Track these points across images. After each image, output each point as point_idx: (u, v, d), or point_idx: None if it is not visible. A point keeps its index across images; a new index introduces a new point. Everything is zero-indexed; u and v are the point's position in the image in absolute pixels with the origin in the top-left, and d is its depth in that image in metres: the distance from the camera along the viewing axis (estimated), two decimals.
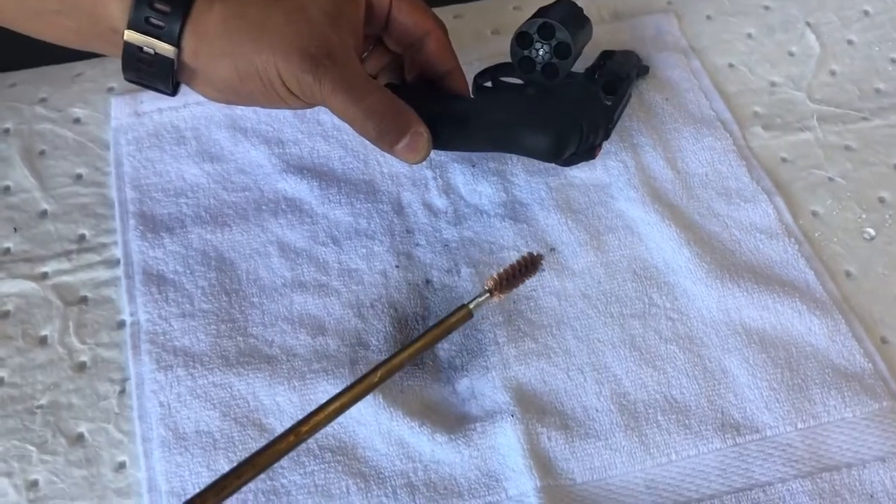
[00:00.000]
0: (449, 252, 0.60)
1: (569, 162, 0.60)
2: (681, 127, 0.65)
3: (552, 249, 0.59)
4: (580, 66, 0.65)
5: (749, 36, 0.72)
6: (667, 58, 0.70)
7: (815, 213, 0.62)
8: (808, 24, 0.72)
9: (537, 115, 0.58)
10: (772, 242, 0.59)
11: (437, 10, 0.73)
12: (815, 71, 0.70)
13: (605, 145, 0.64)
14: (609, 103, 0.61)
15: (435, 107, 0.56)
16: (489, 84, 0.63)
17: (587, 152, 0.60)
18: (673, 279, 0.58)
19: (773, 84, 0.69)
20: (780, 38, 0.72)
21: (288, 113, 0.66)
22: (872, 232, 0.61)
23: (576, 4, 0.63)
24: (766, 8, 0.74)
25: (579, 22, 0.62)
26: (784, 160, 0.64)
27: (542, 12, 0.61)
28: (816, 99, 0.68)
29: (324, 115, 0.66)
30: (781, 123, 0.66)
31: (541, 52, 0.61)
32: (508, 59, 0.62)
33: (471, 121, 0.57)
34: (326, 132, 0.65)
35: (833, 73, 0.70)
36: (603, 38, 0.70)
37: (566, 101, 0.60)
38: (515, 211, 0.61)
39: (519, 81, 0.62)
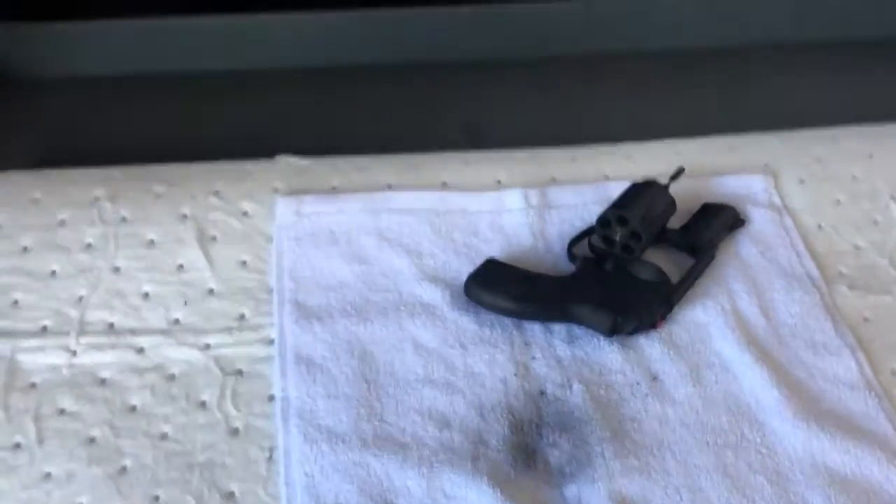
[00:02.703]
0: (562, 368, 0.67)
1: (631, 334, 0.69)
2: (773, 279, 0.73)
3: (654, 378, 0.66)
4: (679, 220, 0.75)
5: (838, 202, 0.80)
6: (763, 214, 0.78)
7: (894, 372, 0.68)
8: (892, 197, 0.81)
9: (600, 297, 0.68)
10: (853, 394, 0.66)
11: (554, 153, 0.84)
12: None
13: (704, 289, 0.72)
14: (672, 284, 0.70)
15: (516, 287, 0.68)
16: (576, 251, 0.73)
17: (648, 326, 0.68)
18: (763, 417, 0.64)
19: (857, 248, 0.77)
20: (866, 207, 0.80)
21: (428, 229, 0.75)
22: None
23: (659, 188, 0.73)
24: (854, 178, 0.82)
25: (657, 207, 0.72)
26: (867, 319, 0.71)
27: (623, 200, 0.72)
28: None
29: (457, 233, 0.75)
30: (864, 285, 0.74)
31: (618, 235, 0.71)
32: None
33: (543, 298, 0.68)
34: (458, 248, 0.74)
35: None
36: (705, 190, 0.79)
37: (633, 282, 0.70)
38: (623, 338, 0.69)
39: None
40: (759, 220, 0.78)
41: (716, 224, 0.75)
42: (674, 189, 0.75)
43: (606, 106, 0.94)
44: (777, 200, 0.80)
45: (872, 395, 0.66)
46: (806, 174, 0.82)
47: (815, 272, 0.74)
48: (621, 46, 1.01)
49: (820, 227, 0.78)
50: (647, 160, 0.82)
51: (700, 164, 0.82)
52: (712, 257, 0.74)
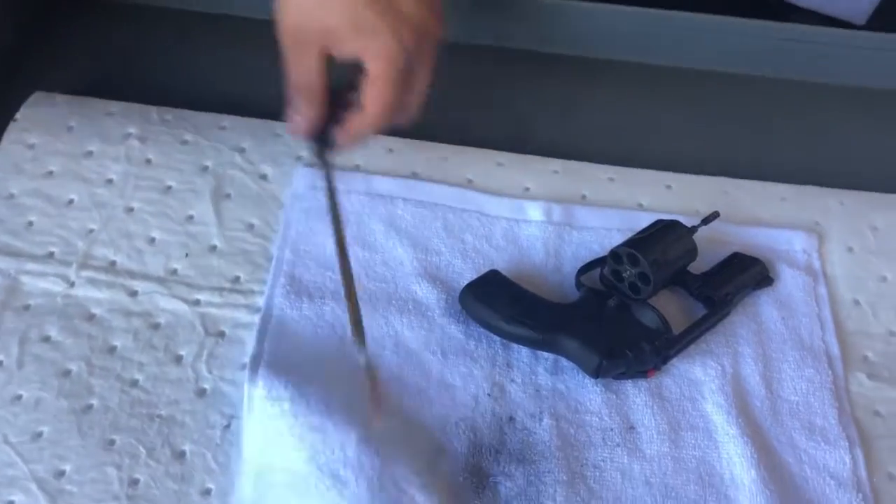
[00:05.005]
0: (539, 397, 0.65)
1: (619, 378, 0.65)
2: (787, 350, 0.68)
3: (631, 427, 0.64)
4: (705, 264, 0.70)
5: (883, 279, 0.74)
6: (796, 276, 0.73)
7: (891, 476, 0.63)
8: None
9: (592, 335, 0.64)
10: (839, 491, 0.62)
11: (592, 169, 0.79)
12: None
13: (710, 345, 0.68)
14: (673, 335, 0.66)
15: (511, 307, 0.65)
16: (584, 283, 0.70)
17: (638, 373, 0.65)
18: (734, 494, 0.61)
19: (891, 333, 0.71)
20: None
21: (439, 224, 0.73)
22: None
23: (683, 232, 0.69)
24: None
25: (674, 252, 0.68)
26: (877, 414, 0.66)
27: (640, 238, 0.68)
28: None
29: (468, 235, 0.73)
30: (888, 376, 0.68)
31: (627, 274, 0.67)
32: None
33: (535, 325, 0.65)
34: (466, 251, 0.72)
35: None
36: (740, 239, 0.74)
37: (632, 325, 0.66)
38: (609, 380, 0.66)
39: None
40: (791, 282, 0.72)
41: (739, 278, 0.70)
42: (705, 231, 0.71)
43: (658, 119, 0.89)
44: (816, 264, 0.74)
45: (859, 497, 0.61)
46: (857, 242, 0.76)
47: (836, 351, 0.69)
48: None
49: (857, 302, 0.72)
50: (688, 194, 0.78)
51: (743, 209, 0.77)
52: (726, 314, 0.69)
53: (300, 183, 0.74)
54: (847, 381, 0.67)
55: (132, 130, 0.77)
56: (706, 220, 0.71)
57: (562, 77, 0.92)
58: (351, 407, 0.61)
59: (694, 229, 0.70)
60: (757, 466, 0.61)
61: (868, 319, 0.71)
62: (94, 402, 0.62)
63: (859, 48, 0.95)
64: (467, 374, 0.66)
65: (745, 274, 0.71)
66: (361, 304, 0.68)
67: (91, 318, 0.67)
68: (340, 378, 0.63)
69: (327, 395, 0.61)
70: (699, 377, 0.66)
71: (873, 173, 0.83)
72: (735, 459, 0.62)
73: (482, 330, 0.68)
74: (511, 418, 0.64)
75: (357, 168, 0.77)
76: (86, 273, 0.68)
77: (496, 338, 0.67)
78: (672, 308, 0.69)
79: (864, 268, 0.74)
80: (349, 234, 0.72)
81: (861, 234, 0.76)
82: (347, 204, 0.73)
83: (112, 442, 0.61)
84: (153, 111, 0.78)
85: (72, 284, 0.68)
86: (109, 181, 0.74)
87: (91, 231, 0.71)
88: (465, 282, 0.69)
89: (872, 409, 0.66)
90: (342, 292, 0.68)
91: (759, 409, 0.65)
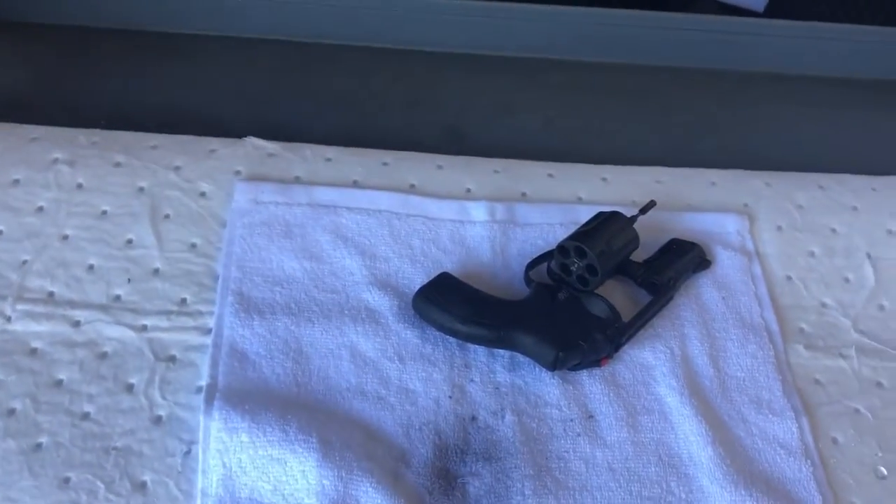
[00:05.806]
0: (499, 395, 0.66)
1: (574, 369, 0.67)
2: (730, 328, 0.71)
3: (590, 416, 0.65)
4: (645, 252, 0.72)
5: (811, 254, 0.78)
6: (731, 257, 0.76)
7: (834, 441, 0.67)
8: (868, 255, 0.78)
9: (546, 329, 0.66)
10: (789, 459, 0.64)
11: (530, 167, 0.81)
12: (865, 302, 0.75)
13: (657, 329, 0.70)
14: (623, 323, 0.68)
15: (464, 308, 0.66)
16: (533, 278, 0.71)
17: (592, 363, 0.67)
18: (693, 472, 0.63)
19: (823, 305, 0.74)
20: (839, 263, 0.77)
21: (386, 231, 0.73)
22: (885, 472, 0.65)
23: (624, 223, 0.71)
24: (834, 231, 0.80)
25: (618, 242, 0.70)
26: (817, 382, 0.70)
27: (585, 230, 0.70)
28: (860, 329, 0.73)
29: (416, 240, 0.73)
30: (823, 346, 0.72)
31: (575, 266, 0.69)
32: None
33: (489, 323, 0.66)
34: (415, 256, 0.73)
35: (882, 307, 0.75)
36: (676, 224, 0.77)
37: (583, 317, 0.67)
38: (565, 371, 0.67)
39: None
40: (727, 263, 0.75)
41: (680, 263, 0.73)
42: (643, 219, 0.73)
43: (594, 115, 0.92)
44: (749, 245, 0.77)
45: (808, 463, 0.64)
46: (785, 221, 0.80)
47: (775, 326, 0.72)
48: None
49: (789, 278, 0.76)
50: (624, 185, 0.80)
51: (677, 196, 0.80)
52: (670, 298, 0.72)
53: (241, 198, 0.73)
54: (787, 354, 0.71)
55: (59, 155, 0.74)
56: (644, 210, 0.74)
57: (491, 77, 0.94)
58: (308, 428, 0.60)
59: (634, 219, 0.72)
60: (713, 443, 0.64)
61: (801, 293, 0.75)
62: (44, 439, 0.60)
63: (766, 35, 0.99)
64: (427, 378, 0.66)
65: (684, 258, 0.73)
66: (314, 317, 0.68)
67: (32, 352, 0.64)
68: (295, 399, 0.63)
69: (283, 421, 0.60)
70: (650, 361, 0.68)
71: (793, 154, 0.87)
72: (691, 438, 0.64)
73: (438, 333, 0.68)
74: (474, 418, 0.64)
75: (297, 180, 0.76)
76: (22, 306, 0.66)
77: (452, 340, 0.68)
78: (619, 296, 0.71)
79: (793, 245, 0.78)
80: (296, 246, 0.71)
81: (788, 213, 0.80)
82: (290, 217, 0.73)
83: (67, 479, 0.58)
84: (80, 134, 0.76)
85: (8, 319, 0.65)
86: (40, 209, 0.71)
87: (24, 262, 0.68)
88: (417, 286, 0.69)
89: (812, 379, 0.70)
90: (292, 308, 0.68)
91: (708, 388, 0.68)
